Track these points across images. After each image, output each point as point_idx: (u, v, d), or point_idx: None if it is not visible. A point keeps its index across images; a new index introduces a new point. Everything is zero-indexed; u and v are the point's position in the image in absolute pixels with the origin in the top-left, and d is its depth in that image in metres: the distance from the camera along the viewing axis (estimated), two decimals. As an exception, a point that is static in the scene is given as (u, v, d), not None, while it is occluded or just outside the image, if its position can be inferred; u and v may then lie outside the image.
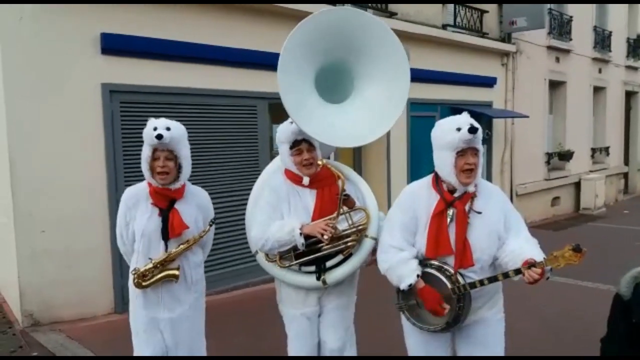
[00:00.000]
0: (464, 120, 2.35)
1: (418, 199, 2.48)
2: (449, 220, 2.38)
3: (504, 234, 2.39)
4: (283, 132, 2.70)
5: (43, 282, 4.74)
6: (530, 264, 2.17)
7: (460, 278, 2.35)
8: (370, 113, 2.70)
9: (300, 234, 2.55)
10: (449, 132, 2.35)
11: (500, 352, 2.51)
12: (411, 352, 2.64)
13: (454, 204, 2.39)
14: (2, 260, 5.52)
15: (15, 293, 4.84)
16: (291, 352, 2.85)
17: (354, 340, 2.93)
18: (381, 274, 2.53)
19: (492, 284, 2.35)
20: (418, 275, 2.38)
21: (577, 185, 12.86)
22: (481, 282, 2.31)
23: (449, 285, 2.33)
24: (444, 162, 2.38)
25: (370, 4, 7.62)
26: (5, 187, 4.81)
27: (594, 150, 14.00)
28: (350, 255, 2.68)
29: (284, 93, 2.48)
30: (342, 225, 2.63)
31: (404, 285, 2.40)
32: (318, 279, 2.64)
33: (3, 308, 5.30)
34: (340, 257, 2.66)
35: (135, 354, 2.73)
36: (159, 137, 2.50)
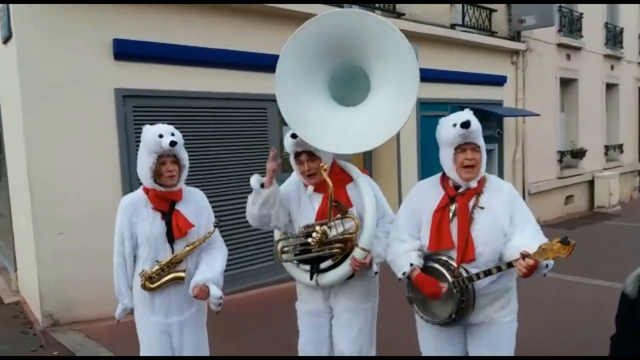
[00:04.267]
0: (461, 116, 2.42)
1: (425, 194, 2.56)
2: (451, 215, 2.43)
3: (509, 230, 2.39)
4: (286, 144, 2.77)
5: (62, 283, 4.86)
6: (523, 257, 2.19)
7: (463, 272, 2.39)
8: (379, 116, 2.67)
9: (262, 185, 2.61)
10: (447, 129, 2.44)
11: (509, 354, 2.51)
12: (422, 346, 2.69)
13: (456, 199, 2.44)
14: (22, 262, 5.66)
15: (35, 294, 4.97)
16: (299, 347, 2.90)
17: (373, 348, 2.86)
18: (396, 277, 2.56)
19: (499, 281, 2.39)
20: (412, 265, 2.43)
21: (591, 184, 12.74)
22: (477, 276, 2.34)
23: (450, 278, 2.37)
24: (445, 158, 2.47)
25: (377, 5, 7.67)
26: (24, 192, 4.94)
27: (607, 147, 13.86)
28: (343, 261, 2.64)
29: (283, 109, 2.63)
30: (336, 231, 2.63)
31: (399, 274, 2.48)
32: (311, 278, 2.69)
33: (24, 309, 5.43)
34: (330, 262, 2.65)
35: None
36: (173, 143, 2.55)
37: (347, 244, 2.60)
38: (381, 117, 2.63)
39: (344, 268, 2.61)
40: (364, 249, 2.57)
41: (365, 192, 2.66)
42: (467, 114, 2.44)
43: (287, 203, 2.77)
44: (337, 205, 2.62)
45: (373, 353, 2.86)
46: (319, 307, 2.81)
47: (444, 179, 2.55)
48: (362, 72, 2.77)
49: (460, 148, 2.41)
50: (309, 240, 2.58)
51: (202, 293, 2.61)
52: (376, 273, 2.66)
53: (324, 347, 2.82)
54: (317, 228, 2.59)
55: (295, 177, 2.87)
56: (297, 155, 2.73)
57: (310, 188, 2.73)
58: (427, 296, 2.43)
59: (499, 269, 2.31)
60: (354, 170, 2.80)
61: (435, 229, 2.44)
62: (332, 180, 2.61)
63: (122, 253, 2.67)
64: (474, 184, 2.44)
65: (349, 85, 2.86)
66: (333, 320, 2.81)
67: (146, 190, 2.69)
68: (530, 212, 2.49)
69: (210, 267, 2.70)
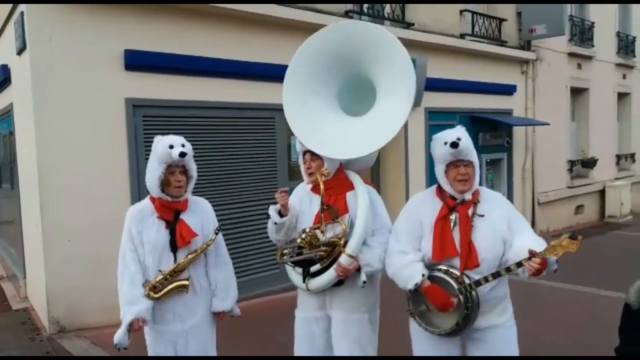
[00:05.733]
0: (452, 134, 2.47)
1: (423, 206, 2.60)
2: (452, 224, 2.46)
3: (509, 237, 2.44)
4: (297, 143, 2.94)
5: (69, 290, 4.91)
6: (531, 255, 2.22)
7: (466, 279, 2.41)
8: (376, 123, 2.75)
9: (281, 215, 2.75)
10: (439, 147, 2.51)
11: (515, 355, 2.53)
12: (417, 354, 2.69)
13: (456, 208, 2.48)
14: (31, 269, 5.72)
15: (42, 300, 5.02)
16: (295, 354, 2.92)
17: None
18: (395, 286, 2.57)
19: (498, 288, 2.42)
20: (423, 275, 2.44)
21: (602, 193, 12.62)
22: (485, 279, 2.36)
23: (455, 285, 2.39)
24: (439, 173, 2.55)
25: (386, 15, 7.70)
26: (34, 199, 5.00)
27: (619, 157, 13.73)
28: (330, 266, 2.66)
29: (286, 106, 2.78)
30: (327, 235, 2.67)
31: (410, 285, 2.46)
32: (303, 280, 2.75)
33: (32, 315, 5.48)
34: (318, 266, 2.70)
35: None
36: (183, 154, 2.60)
37: (334, 248, 2.64)
38: (379, 124, 2.71)
39: (331, 273, 2.65)
40: (351, 256, 2.59)
41: (361, 200, 2.70)
42: (458, 132, 2.49)
43: (297, 212, 2.87)
44: (327, 209, 2.67)
45: None
46: (313, 315, 2.83)
47: (441, 190, 2.59)
48: (370, 83, 2.85)
49: (452, 164, 2.49)
50: (299, 241, 2.67)
51: (225, 317, 2.87)
52: (365, 282, 2.63)
53: (317, 347, 2.83)
54: (308, 230, 2.67)
55: (301, 185, 2.99)
56: (303, 154, 2.89)
57: (309, 186, 2.86)
58: (437, 307, 2.44)
59: (508, 269, 2.33)
60: (356, 179, 2.85)
61: (438, 238, 2.47)
62: (333, 185, 2.73)
63: (138, 260, 2.66)
64: (468, 196, 2.50)
65: (356, 95, 2.97)
66: (331, 330, 2.82)
67: (152, 200, 2.73)
68: (523, 217, 2.57)
69: (228, 292, 2.85)
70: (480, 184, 2.62)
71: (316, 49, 2.83)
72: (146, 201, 2.77)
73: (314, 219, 2.76)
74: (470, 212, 2.47)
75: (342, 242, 2.62)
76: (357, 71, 2.85)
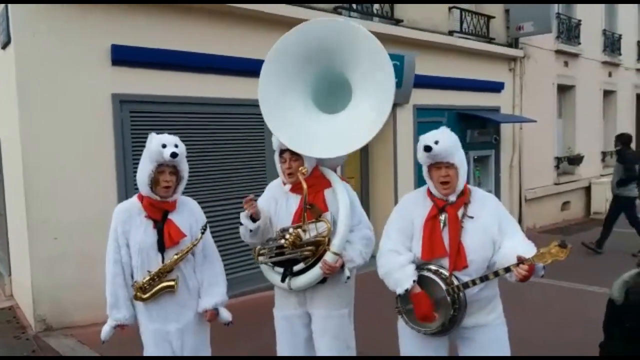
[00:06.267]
0: (430, 137, 2.48)
1: (414, 205, 2.60)
2: (442, 224, 2.47)
3: (498, 238, 2.45)
4: (274, 140, 2.88)
5: (55, 288, 4.86)
6: (519, 261, 2.24)
7: (455, 280, 2.42)
8: (357, 122, 2.73)
9: (253, 219, 2.65)
10: (419, 149, 2.53)
11: (506, 354, 2.55)
12: (403, 354, 2.69)
13: (446, 209, 2.49)
14: (17, 266, 5.66)
15: (28, 298, 4.96)
16: (278, 353, 2.93)
17: (353, 353, 2.89)
18: (379, 281, 2.58)
19: (487, 288, 2.43)
20: (414, 281, 2.45)
21: (588, 190, 12.75)
22: (473, 282, 2.38)
23: (443, 286, 2.40)
24: (424, 174, 2.58)
25: (375, 11, 7.70)
26: (19, 196, 4.94)
27: (604, 154, 13.89)
28: (315, 264, 2.68)
29: (261, 102, 2.72)
30: (310, 234, 2.67)
31: (400, 290, 2.47)
32: (283, 280, 2.73)
33: (17, 313, 5.43)
34: (302, 265, 2.69)
35: None
36: (174, 155, 2.57)
37: (318, 247, 2.65)
38: (359, 123, 2.70)
39: (316, 271, 2.66)
40: (336, 253, 2.61)
41: (341, 197, 2.71)
42: (438, 134, 2.49)
43: (269, 213, 2.80)
44: (311, 208, 2.68)
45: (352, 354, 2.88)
46: (293, 313, 2.84)
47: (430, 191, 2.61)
48: (344, 80, 2.84)
49: (433, 166, 2.51)
50: (282, 242, 2.64)
51: (214, 317, 2.75)
52: (348, 278, 2.67)
53: (300, 353, 2.84)
54: (292, 230, 2.65)
55: (274, 183, 2.95)
56: (282, 152, 2.81)
57: (288, 186, 2.81)
58: (418, 317, 2.46)
59: (496, 274, 2.35)
60: (333, 176, 2.86)
61: (427, 238, 2.48)
62: (311, 183, 2.70)
63: (120, 261, 2.67)
64: (452, 198, 2.50)
65: (332, 93, 2.94)
66: (312, 326, 2.83)
67: (141, 198, 2.70)
68: (514, 219, 2.57)
69: (215, 288, 2.77)
70: (468, 182, 2.63)
71: (291, 45, 2.77)
72: (134, 199, 2.74)
73: (292, 218, 2.74)
74: (460, 212, 2.48)
75: (326, 240, 2.63)
76: (333, 67, 2.82)
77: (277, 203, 2.83)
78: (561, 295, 5.83)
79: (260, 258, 2.81)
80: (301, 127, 2.77)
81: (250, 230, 2.68)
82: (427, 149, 2.45)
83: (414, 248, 2.54)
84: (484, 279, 2.37)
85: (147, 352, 2.75)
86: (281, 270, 2.76)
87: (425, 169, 2.56)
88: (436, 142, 2.45)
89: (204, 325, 2.83)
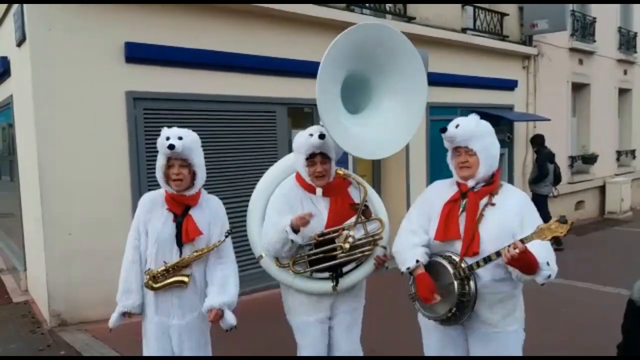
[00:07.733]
0: (454, 121, 2.51)
1: (440, 190, 2.64)
2: (460, 209, 2.48)
3: (519, 233, 2.36)
4: (302, 144, 2.72)
5: (70, 283, 4.91)
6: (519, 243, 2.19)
7: (463, 264, 2.40)
8: (391, 126, 2.86)
9: (295, 231, 2.55)
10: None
11: None
12: (425, 348, 2.70)
13: (467, 194, 2.49)
14: (32, 262, 5.72)
15: (43, 293, 5.02)
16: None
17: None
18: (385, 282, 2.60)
19: (505, 283, 2.41)
20: (417, 261, 2.45)
21: (602, 189, 12.60)
22: (477, 264, 2.36)
23: (450, 270, 2.38)
24: (448, 158, 2.61)
25: (388, 9, 7.66)
26: (34, 192, 4.99)
27: (619, 153, 13.71)
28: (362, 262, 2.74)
29: (323, 112, 2.60)
30: (358, 234, 2.66)
31: (403, 268, 2.50)
32: (336, 284, 2.67)
33: (32, 308, 5.49)
34: (352, 265, 2.70)
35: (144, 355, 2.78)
36: (171, 147, 2.56)
37: (375, 246, 2.73)
38: (397, 124, 2.85)
39: (366, 268, 2.74)
40: (384, 247, 2.74)
41: (372, 191, 2.83)
42: (462, 119, 2.51)
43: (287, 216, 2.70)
44: (366, 208, 2.72)
45: (361, 352, 2.92)
46: (324, 316, 2.80)
47: None
48: (365, 80, 2.88)
49: (455, 150, 2.53)
50: (338, 247, 2.60)
51: (218, 317, 2.63)
52: (387, 268, 2.81)
53: (325, 346, 2.84)
54: (344, 233, 2.60)
55: (285, 186, 2.83)
56: (312, 156, 2.71)
57: (320, 191, 2.72)
58: (420, 297, 2.46)
59: (497, 254, 2.29)
60: (352, 174, 2.90)
61: (443, 219, 2.49)
62: (336, 183, 2.72)
63: (138, 248, 2.68)
64: (471, 183, 2.48)
65: (354, 94, 2.95)
66: (334, 323, 2.82)
67: (166, 190, 2.73)
68: (541, 220, 2.46)
69: (225, 289, 2.68)
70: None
71: (341, 49, 2.67)
72: (161, 191, 2.76)
73: (325, 220, 2.68)
74: (483, 201, 2.46)
75: (381, 237, 2.73)
76: (361, 69, 2.82)
77: (303, 207, 2.70)
78: (575, 295, 5.76)
79: (299, 268, 2.70)
80: (352, 133, 2.77)
81: (292, 241, 2.57)
82: (443, 130, 2.50)
83: (431, 229, 2.54)
84: (487, 259, 2.33)
85: (146, 345, 2.75)
86: (321, 275, 2.68)
87: (449, 154, 2.59)
88: (457, 126, 2.46)
89: (205, 327, 2.79)
